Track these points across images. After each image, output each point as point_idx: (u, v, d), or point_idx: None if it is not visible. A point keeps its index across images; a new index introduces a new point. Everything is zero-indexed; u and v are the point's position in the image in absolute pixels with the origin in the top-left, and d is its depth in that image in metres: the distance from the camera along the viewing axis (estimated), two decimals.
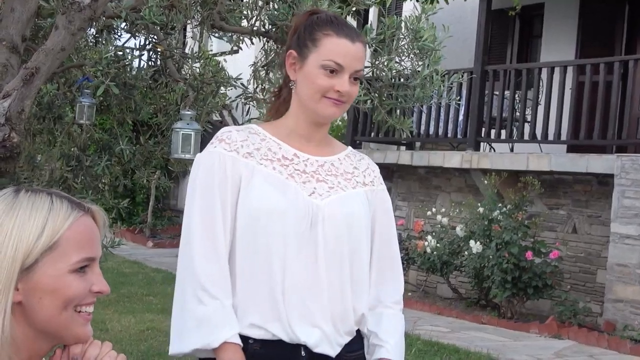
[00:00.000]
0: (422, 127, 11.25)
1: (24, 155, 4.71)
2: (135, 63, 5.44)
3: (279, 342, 2.19)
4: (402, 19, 4.02)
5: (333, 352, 2.24)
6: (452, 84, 4.40)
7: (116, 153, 4.94)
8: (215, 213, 2.20)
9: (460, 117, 10.90)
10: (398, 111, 4.20)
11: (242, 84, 4.87)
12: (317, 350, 2.21)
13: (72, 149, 5.20)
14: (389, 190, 12.25)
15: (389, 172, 12.01)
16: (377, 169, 2.45)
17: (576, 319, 8.70)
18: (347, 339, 2.28)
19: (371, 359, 2.33)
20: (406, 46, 3.92)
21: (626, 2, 11.29)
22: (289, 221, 2.19)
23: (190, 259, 2.18)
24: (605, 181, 8.66)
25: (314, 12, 2.34)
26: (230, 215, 2.21)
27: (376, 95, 4.06)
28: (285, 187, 2.22)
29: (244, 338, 2.17)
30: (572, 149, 9.97)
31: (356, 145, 12.18)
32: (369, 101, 4.05)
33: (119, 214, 5.09)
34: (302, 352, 2.21)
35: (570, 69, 9.90)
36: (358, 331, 2.33)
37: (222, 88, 5.23)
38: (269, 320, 2.19)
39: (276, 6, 4.13)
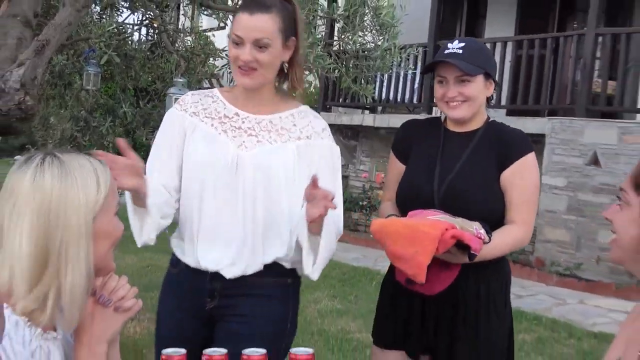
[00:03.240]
0: (384, 94, 11.23)
1: (38, 116, 4.66)
2: (135, 37, 5.37)
3: (190, 268, 2.35)
4: None
5: (241, 273, 2.32)
6: (408, 56, 4.37)
7: (119, 115, 4.91)
8: (159, 154, 2.38)
9: (416, 85, 10.90)
10: (362, 79, 4.17)
11: (227, 55, 4.83)
12: (226, 275, 2.31)
13: (81, 112, 5.15)
14: (354, 148, 12.28)
15: (354, 132, 12.00)
16: (320, 126, 2.36)
17: (512, 256, 8.79)
18: (256, 268, 2.32)
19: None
20: (368, 22, 3.89)
21: None
22: (214, 169, 2.29)
23: None
24: (538, 140, 8.69)
25: None
26: (175, 157, 2.35)
27: (342, 65, 4.04)
28: (215, 141, 2.31)
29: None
30: (510, 112, 10.01)
31: (327, 109, 12.15)
32: (336, 71, 4.03)
33: None
34: (208, 277, 2.33)
35: (509, 44, 9.91)
36: (277, 265, 2.34)
37: (210, 59, 5.18)
38: (188, 251, 2.36)
39: None
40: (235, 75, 2.27)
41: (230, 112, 2.35)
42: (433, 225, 2.26)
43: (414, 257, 2.25)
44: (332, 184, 2.28)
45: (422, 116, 10.42)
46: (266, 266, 2.32)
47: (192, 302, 2.37)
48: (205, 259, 2.33)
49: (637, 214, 1.59)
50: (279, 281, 2.36)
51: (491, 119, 2.61)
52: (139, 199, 2.20)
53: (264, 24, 2.20)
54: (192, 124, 2.34)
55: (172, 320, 2.41)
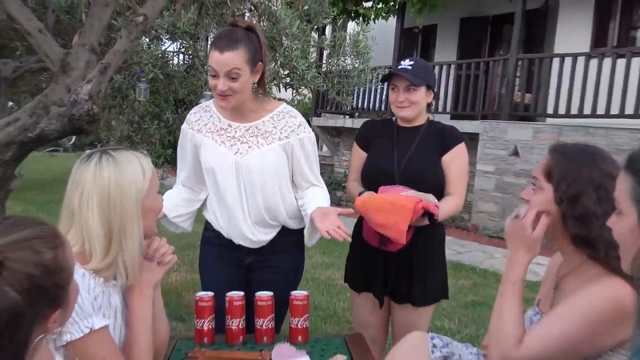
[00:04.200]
0: (360, 103, 11.21)
1: (102, 121, 4.62)
2: (175, 61, 5.33)
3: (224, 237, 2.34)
4: (347, 33, 3.98)
5: (258, 245, 2.32)
6: (378, 75, 4.37)
7: (163, 119, 4.87)
8: (181, 163, 2.38)
9: (384, 97, 10.88)
10: (343, 92, 4.16)
11: None
12: (258, 245, 2.32)
13: (134, 117, 5.10)
14: (338, 144, 12.26)
15: (338, 132, 11.98)
16: (295, 124, 2.22)
17: (454, 222, 8.85)
18: (271, 235, 2.32)
19: (308, 209, 2.25)
20: (348, 50, 3.88)
21: (489, 23, 11.27)
22: (221, 174, 2.23)
23: None
24: (474, 137, 8.73)
25: None
26: (193, 166, 2.33)
27: (329, 82, 4.03)
28: (217, 152, 2.23)
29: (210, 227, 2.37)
30: (453, 117, 10.01)
31: (317, 115, 12.13)
32: (325, 86, 4.02)
33: (166, 159, 5.03)
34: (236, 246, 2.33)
35: (452, 66, 9.90)
36: (285, 228, 2.34)
37: None
38: (221, 230, 2.34)
39: (264, 24, 4.03)
40: (215, 98, 2.18)
41: (224, 124, 2.26)
42: (408, 200, 2.29)
43: (395, 225, 2.27)
44: (308, 169, 2.28)
45: None
46: (286, 231, 2.33)
47: (233, 255, 2.34)
48: (236, 239, 2.32)
49: (549, 196, 1.59)
50: (295, 239, 2.36)
51: (430, 119, 2.62)
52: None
53: (231, 60, 2.04)
54: (199, 140, 2.28)
55: (217, 267, 2.37)
